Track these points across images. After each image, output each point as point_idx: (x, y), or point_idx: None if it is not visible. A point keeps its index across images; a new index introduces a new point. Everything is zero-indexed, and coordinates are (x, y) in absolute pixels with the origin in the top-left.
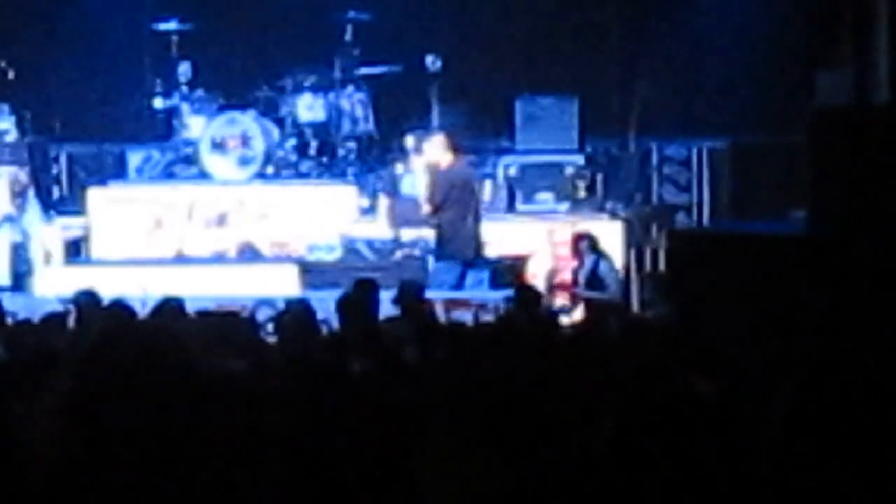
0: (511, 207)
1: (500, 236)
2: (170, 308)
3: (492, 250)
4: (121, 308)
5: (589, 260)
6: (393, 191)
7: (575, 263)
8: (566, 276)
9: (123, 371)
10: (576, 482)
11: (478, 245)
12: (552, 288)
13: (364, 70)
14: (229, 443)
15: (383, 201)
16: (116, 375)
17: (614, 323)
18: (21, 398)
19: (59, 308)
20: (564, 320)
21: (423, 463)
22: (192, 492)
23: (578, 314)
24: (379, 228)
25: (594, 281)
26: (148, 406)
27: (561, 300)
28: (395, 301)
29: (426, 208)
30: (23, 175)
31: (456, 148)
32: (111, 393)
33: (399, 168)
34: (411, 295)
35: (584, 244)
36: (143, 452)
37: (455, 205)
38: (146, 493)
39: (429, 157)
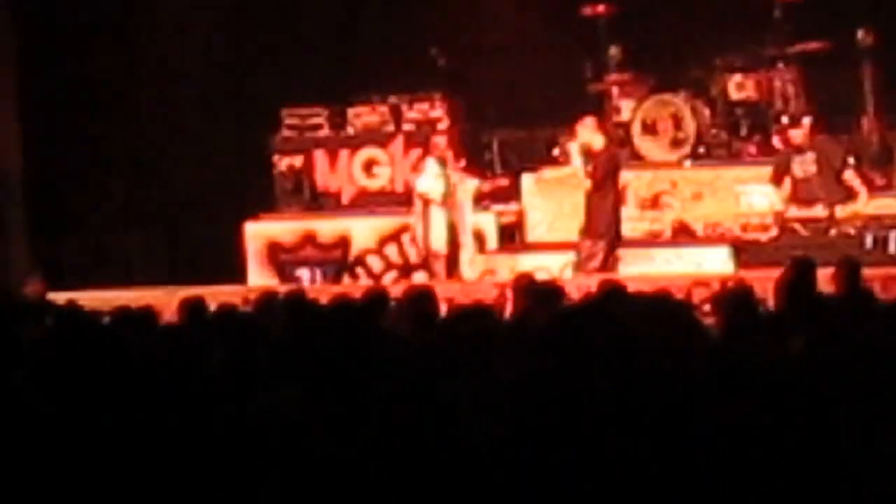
0: None
1: None
2: (610, 291)
3: None
4: (552, 293)
5: None
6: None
7: None
8: None
9: (569, 358)
10: None
11: (619, 227)
12: None
13: (796, 47)
14: (671, 423)
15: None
16: (563, 362)
17: None
18: (457, 383)
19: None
20: None
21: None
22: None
23: None
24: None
25: None
26: (598, 394)
27: None
28: (832, 279)
29: (589, 185)
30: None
31: (608, 133)
32: (559, 379)
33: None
34: (848, 273)
35: None
36: (591, 440)
37: (606, 187)
38: (578, 473)
39: (581, 138)
